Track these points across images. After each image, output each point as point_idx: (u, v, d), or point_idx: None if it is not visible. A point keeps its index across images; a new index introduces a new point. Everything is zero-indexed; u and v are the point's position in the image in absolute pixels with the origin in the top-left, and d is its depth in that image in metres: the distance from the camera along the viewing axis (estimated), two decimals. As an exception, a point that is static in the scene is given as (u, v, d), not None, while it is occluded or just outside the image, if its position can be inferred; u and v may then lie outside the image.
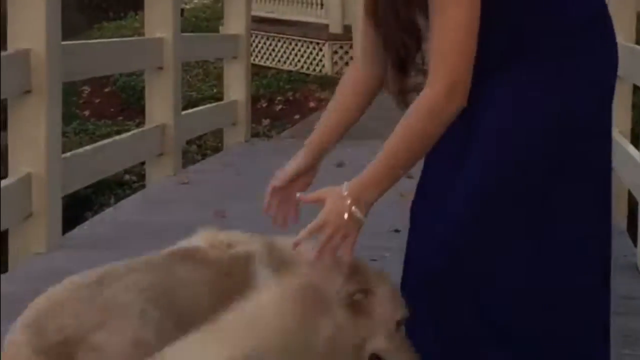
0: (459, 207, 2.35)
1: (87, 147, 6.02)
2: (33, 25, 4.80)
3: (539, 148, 2.34)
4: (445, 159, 2.43)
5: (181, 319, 2.20)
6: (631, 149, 5.37)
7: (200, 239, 2.43)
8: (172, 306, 2.23)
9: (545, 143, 2.34)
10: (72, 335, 2.09)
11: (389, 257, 4.70)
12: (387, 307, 2.19)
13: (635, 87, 6.16)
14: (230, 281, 2.30)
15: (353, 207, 2.20)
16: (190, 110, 7.85)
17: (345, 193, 2.21)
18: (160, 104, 6.72)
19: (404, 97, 2.39)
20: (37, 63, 4.81)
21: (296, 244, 2.22)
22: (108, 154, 5.98)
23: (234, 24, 8.31)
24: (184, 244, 2.44)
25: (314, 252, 2.19)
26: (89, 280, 2.24)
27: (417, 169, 2.55)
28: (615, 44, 2.43)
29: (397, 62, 2.38)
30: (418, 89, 2.33)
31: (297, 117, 11.25)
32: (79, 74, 6.15)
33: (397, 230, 5.21)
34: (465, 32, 2.25)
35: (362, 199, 2.21)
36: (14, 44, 4.80)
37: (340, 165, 7.04)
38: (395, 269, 4.62)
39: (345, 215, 2.20)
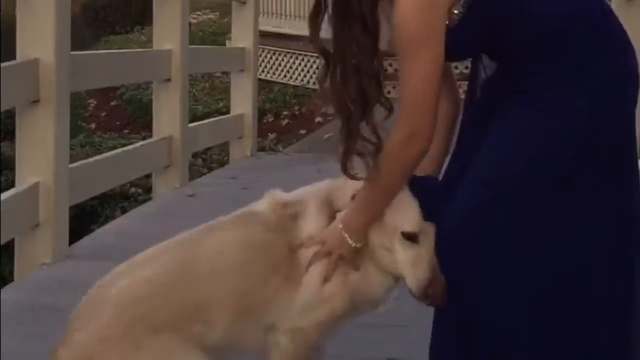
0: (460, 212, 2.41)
1: (95, 158, 6.00)
2: (42, 34, 4.79)
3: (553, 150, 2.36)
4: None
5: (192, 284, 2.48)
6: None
7: (264, 202, 2.61)
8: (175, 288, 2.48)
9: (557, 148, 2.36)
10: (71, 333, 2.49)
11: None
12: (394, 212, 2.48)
13: None
14: (272, 235, 2.52)
15: (344, 232, 2.49)
16: (197, 123, 7.84)
17: (340, 219, 2.51)
18: (168, 116, 6.71)
19: (346, 158, 2.50)
20: (46, 73, 4.80)
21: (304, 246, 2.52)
22: (115, 165, 5.97)
23: (242, 37, 8.31)
24: (250, 206, 2.63)
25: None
26: (113, 274, 2.57)
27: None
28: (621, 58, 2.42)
29: (345, 126, 2.47)
30: (360, 153, 2.47)
31: (303, 131, 11.26)
32: (88, 84, 6.15)
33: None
34: (425, 82, 2.34)
35: (351, 226, 2.49)
36: (22, 53, 4.80)
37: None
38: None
39: (338, 238, 2.50)
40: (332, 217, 2.54)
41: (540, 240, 2.37)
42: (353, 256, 2.51)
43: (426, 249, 2.48)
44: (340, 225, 2.49)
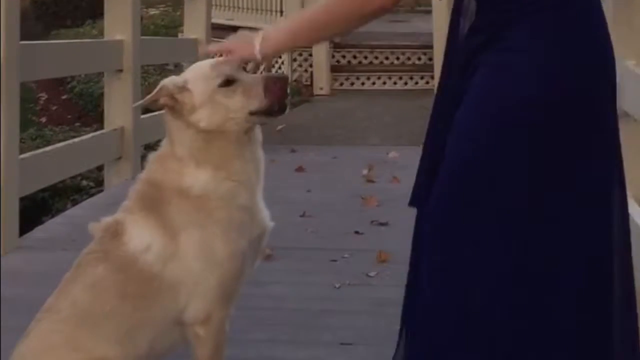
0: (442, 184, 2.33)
1: (46, 149, 5.94)
2: (-9, 24, 4.76)
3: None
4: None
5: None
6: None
7: (96, 236, 2.60)
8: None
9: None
10: None
11: (348, 257, 4.72)
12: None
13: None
14: (102, 267, 2.52)
15: (256, 41, 2.44)
16: (149, 115, 7.78)
17: (258, 37, 2.43)
18: (119, 107, 6.66)
19: None
20: (-5, 63, 4.76)
21: (205, 52, 2.61)
22: (66, 156, 5.91)
23: (194, 28, 8.28)
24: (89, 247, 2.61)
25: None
26: None
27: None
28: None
29: None
30: None
31: (256, 124, 11.21)
32: (38, 74, 6.09)
33: (357, 232, 5.22)
34: None
35: (267, 38, 2.43)
36: (-29, 43, 4.75)
37: (300, 170, 7.05)
38: (354, 268, 4.64)
39: (248, 43, 2.46)
40: (159, 211, 2.52)
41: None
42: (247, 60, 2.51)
43: (242, 81, 2.51)
44: (259, 36, 2.44)
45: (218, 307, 2.53)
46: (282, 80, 2.55)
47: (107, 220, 2.59)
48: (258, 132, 2.60)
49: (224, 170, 2.53)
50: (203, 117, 2.51)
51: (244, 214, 2.55)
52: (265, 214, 2.62)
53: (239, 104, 2.50)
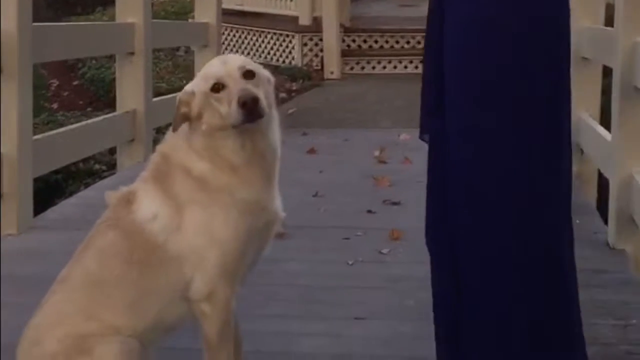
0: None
1: (59, 130, 5.97)
2: (4, 5, 4.77)
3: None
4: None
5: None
6: (600, 129, 5.42)
7: (111, 204, 2.64)
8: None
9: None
10: None
11: (361, 235, 4.74)
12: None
13: (603, 73, 6.21)
14: (112, 233, 2.57)
15: None
16: (160, 98, 7.81)
17: None
18: (131, 90, 6.69)
19: None
20: (9, 43, 4.79)
21: None
22: (79, 138, 5.94)
23: (205, 12, 8.29)
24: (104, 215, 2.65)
25: None
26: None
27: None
28: None
29: None
30: None
31: (266, 108, 11.22)
32: (50, 56, 6.11)
33: (370, 211, 5.24)
34: None
35: None
36: (-17, 24, 4.77)
37: (311, 152, 7.07)
38: (367, 246, 4.65)
39: None
40: (167, 184, 2.55)
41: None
42: None
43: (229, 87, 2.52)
44: None
45: (221, 285, 2.55)
46: (254, 100, 2.50)
47: (123, 189, 2.62)
48: (274, 129, 2.61)
49: (228, 169, 2.55)
50: (205, 120, 2.55)
51: (247, 204, 2.57)
52: (277, 203, 2.64)
53: (224, 113, 2.51)
